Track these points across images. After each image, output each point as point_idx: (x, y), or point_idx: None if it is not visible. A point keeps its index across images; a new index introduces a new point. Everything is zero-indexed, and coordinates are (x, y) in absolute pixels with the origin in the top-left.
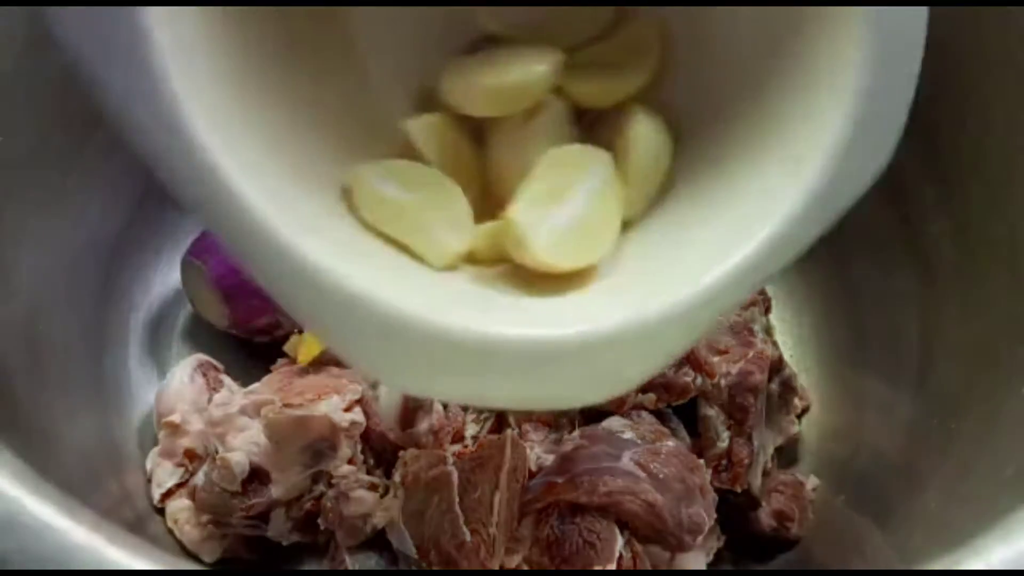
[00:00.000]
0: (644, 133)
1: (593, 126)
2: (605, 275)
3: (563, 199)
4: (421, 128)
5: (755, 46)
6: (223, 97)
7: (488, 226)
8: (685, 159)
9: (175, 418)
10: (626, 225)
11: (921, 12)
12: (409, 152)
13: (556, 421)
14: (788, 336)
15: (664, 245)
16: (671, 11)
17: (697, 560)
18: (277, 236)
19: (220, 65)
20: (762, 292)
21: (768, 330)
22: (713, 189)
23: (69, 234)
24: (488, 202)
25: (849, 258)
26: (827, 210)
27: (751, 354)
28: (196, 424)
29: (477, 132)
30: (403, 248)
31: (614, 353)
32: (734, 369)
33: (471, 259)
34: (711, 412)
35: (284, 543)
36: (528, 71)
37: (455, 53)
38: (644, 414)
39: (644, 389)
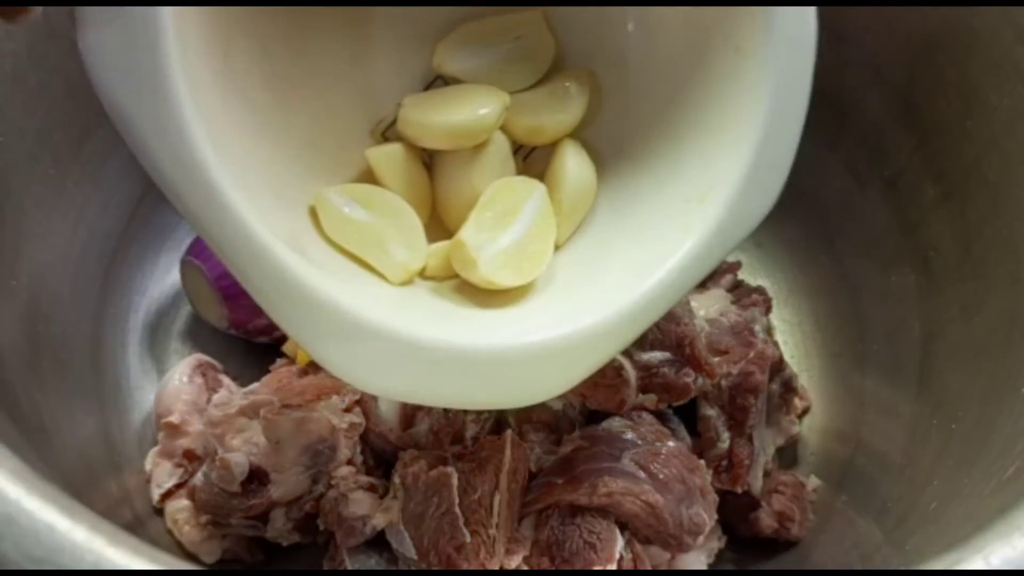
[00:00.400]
0: (574, 169)
1: (528, 158)
2: (540, 291)
3: (505, 226)
4: (381, 156)
5: (670, 96)
6: (223, 125)
7: (439, 245)
8: (607, 188)
9: (174, 418)
10: (557, 245)
11: (808, 74)
12: (369, 177)
13: (556, 422)
14: (789, 336)
15: (591, 266)
16: (599, 63)
17: (698, 561)
18: (268, 251)
19: (220, 95)
20: (762, 292)
21: (769, 330)
22: (631, 217)
23: (69, 234)
24: (437, 223)
25: (849, 258)
26: (730, 238)
27: (752, 354)
28: (195, 424)
29: (429, 160)
30: (363, 264)
31: (545, 363)
32: (735, 369)
33: (423, 274)
34: (712, 412)
35: (284, 543)
36: (478, 113)
37: (413, 90)
38: (644, 415)
39: (645, 389)
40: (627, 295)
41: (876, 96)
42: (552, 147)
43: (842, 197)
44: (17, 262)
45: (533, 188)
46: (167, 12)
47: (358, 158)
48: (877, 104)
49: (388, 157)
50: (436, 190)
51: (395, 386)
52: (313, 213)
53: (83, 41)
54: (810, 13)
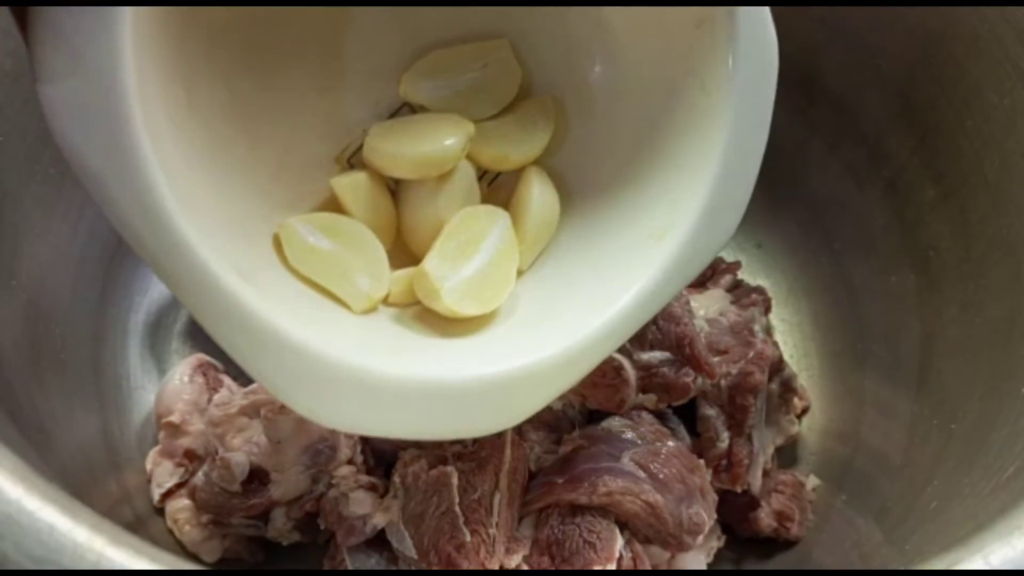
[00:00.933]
0: (538, 198)
1: (494, 183)
2: (503, 319)
3: (469, 255)
4: (346, 185)
5: (635, 129)
6: (185, 165)
7: (402, 273)
8: (571, 216)
9: (174, 418)
10: (519, 272)
11: (768, 115)
12: (333, 205)
13: (556, 422)
14: (788, 336)
15: (552, 295)
16: (566, 91)
17: (697, 560)
18: (233, 298)
19: (183, 132)
20: (762, 292)
21: (768, 330)
22: (593, 248)
23: (68, 234)
24: (401, 250)
25: (849, 258)
26: (686, 272)
27: (751, 354)
28: (196, 424)
29: (394, 186)
30: (327, 293)
31: (506, 393)
32: (734, 369)
33: (386, 301)
34: (711, 412)
35: (284, 543)
36: (444, 144)
37: (379, 117)
38: (644, 414)
39: (644, 389)
40: (587, 327)
41: (876, 96)
42: (517, 173)
43: (842, 197)
44: (17, 262)
45: (497, 218)
46: (126, 55)
47: (322, 186)
48: (877, 104)
49: (353, 186)
50: (401, 217)
51: (354, 420)
52: (277, 243)
53: (44, 97)
54: (773, 57)
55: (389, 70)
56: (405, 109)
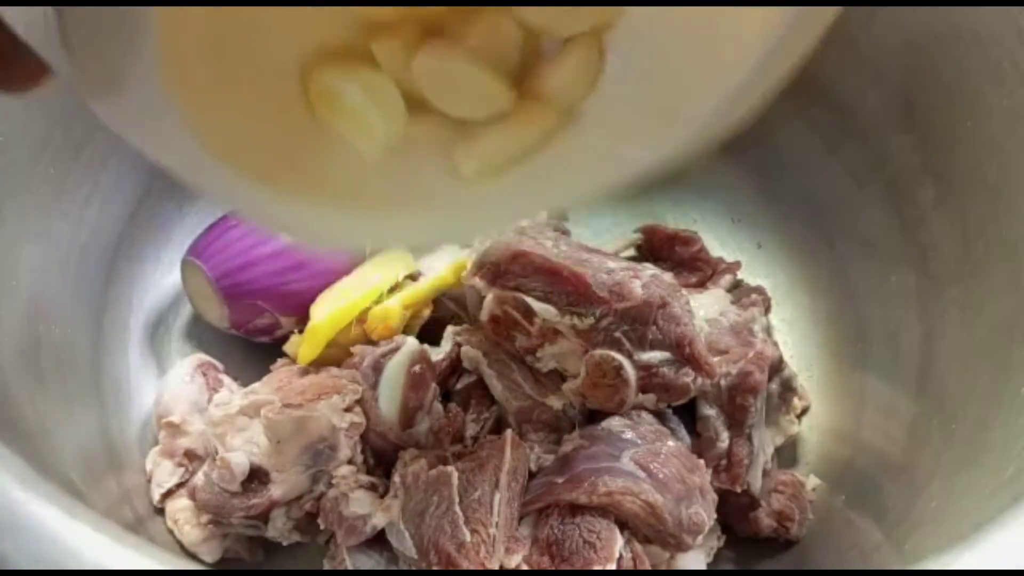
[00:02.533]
0: None
1: None
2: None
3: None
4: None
5: None
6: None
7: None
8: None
9: (175, 418)
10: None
11: None
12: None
13: (556, 422)
14: (788, 336)
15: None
16: None
17: (697, 560)
18: None
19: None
20: (762, 292)
21: (768, 330)
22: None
23: (69, 234)
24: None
25: (849, 258)
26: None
27: (751, 354)
28: (196, 424)
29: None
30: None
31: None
32: (734, 369)
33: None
34: (711, 412)
35: (284, 543)
36: None
37: None
38: (644, 414)
39: (644, 389)
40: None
41: (876, 96)
42: None
43: (842, 197)
44: (17, 262)
45: None
46: (156, 66)
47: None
48: (877, 104)
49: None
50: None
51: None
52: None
53: (95, 110)
54: None
55: None
56: None
